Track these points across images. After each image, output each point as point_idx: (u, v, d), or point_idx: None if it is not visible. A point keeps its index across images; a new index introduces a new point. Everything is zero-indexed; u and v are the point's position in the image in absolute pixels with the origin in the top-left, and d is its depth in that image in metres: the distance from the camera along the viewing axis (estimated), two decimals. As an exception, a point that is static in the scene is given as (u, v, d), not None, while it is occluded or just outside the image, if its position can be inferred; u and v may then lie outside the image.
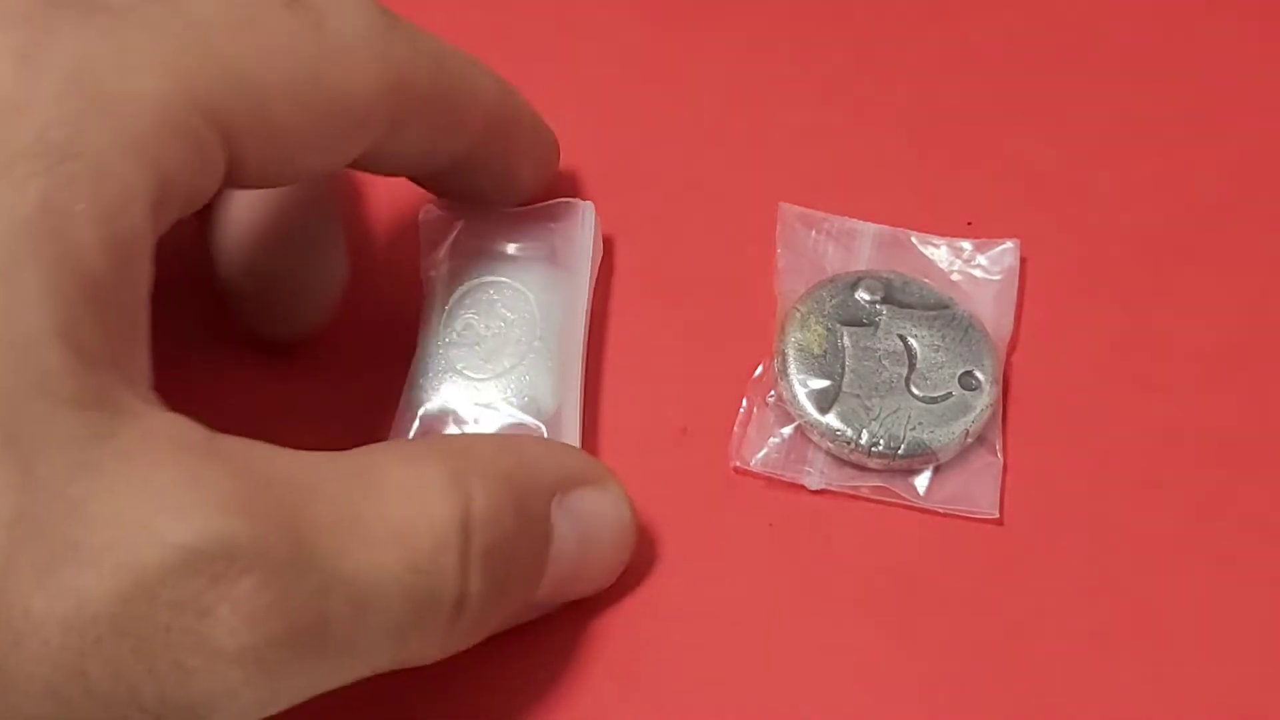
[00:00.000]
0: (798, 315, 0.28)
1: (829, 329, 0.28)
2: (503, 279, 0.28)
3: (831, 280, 0.29)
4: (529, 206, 0.29)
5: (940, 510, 0.27)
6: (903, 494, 0.27)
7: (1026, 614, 0.26)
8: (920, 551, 0.26)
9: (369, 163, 0.25)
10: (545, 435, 0.26)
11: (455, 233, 0.29)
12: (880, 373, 0.28)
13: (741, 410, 0.28)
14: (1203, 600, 0.26)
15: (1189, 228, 0.31)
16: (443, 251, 0.29)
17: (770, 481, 0.27)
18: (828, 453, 0.27)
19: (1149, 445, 0.28)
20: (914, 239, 0.30)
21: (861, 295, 0.29)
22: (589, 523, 0.24)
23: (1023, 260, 0.30)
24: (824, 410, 0.27)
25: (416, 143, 0.25)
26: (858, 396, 0.27)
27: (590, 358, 0.28)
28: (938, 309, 0.28)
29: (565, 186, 0.31)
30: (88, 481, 0.18)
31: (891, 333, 0.28)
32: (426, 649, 0.22)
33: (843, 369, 0.28)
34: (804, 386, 0.27)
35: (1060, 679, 0.25)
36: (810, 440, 0.27)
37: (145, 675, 0.18)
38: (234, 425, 0.21)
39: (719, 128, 0.32)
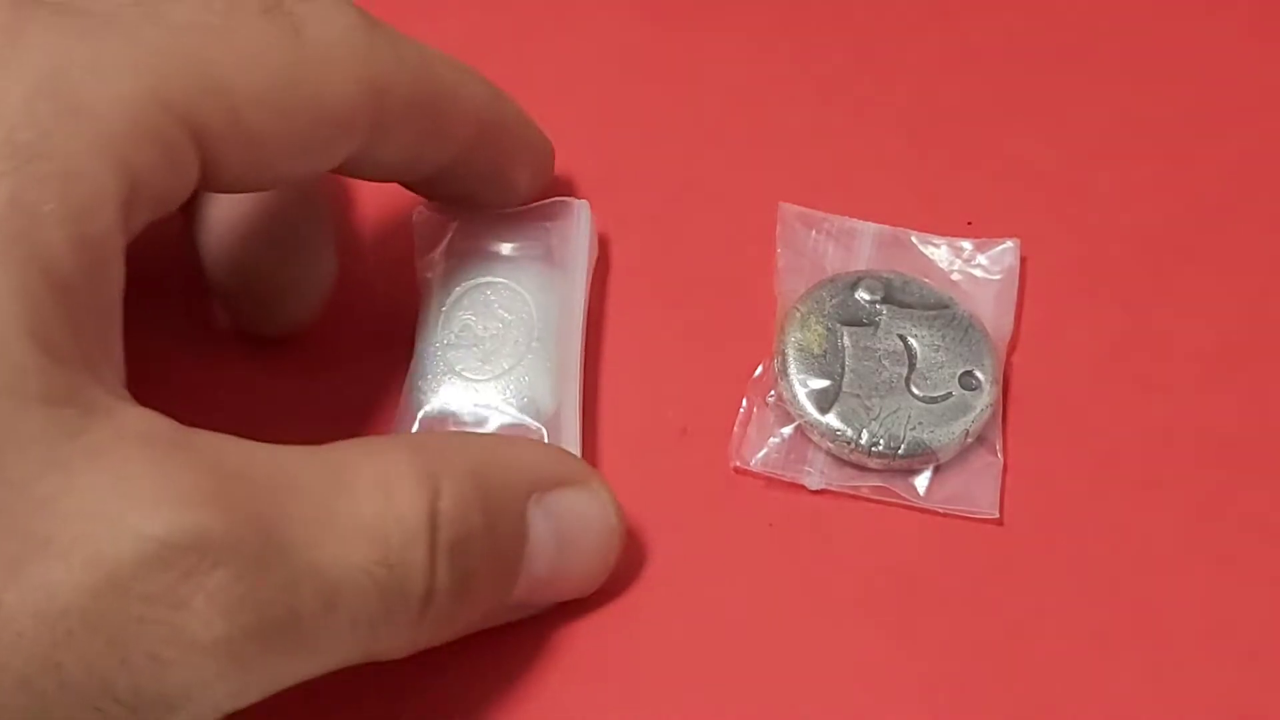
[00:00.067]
0: (798, 315, 0.28)
1: (829, 329, 0.28)
2: (499, 279, 0.28)
3: (831, 280, 0.29)
4: (524, 206, 0.29)
5: (940, 510, 0.27)
6: (903, 494, 0.27)
7: (1026, 614, 0.26)
8: (920, 551, 0.26)
9: (354, 168, 0.25)
10: (545, 436, 0.26)
11: (450, 233, 0.29)
12: (880, 373, 0.28)
13: (741, 410, 0.28)
14: (1203, 600, 0.26)
15: (1189, 228, 0.31)
16: (438, 252, 0.29)
17: (770, 481, 0.27)
18: (828, 453, 0.27)
19: (1149, 445, 0.28)
20: (914, 239, 0.30)
21: (861, 295, 0.29)
22: (569, 524, 0.24)
23: (1023, 260, 0.30)
24: (824, 410, 0.27)
25: (401, 149, 0.25)
26: (858, 396, 0.27)
27: (590, 358, 0.28)
28: (938, 309, 0.28)
29: (566, 186, 0.31)
30: (58, 477, 0.18)
31: (891, 332, 0.28)
32: (395, 643, 0.22)
33: (843, 369, 0.28)
34: (804, 386, 0.27)
35: (1060, 679, 0.25)
36: (810, 440, 0.27)
37: (119, 667, 0.18)
38: (225, 425, 0.21)
39: (719, 128, 0.32)
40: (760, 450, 0.27)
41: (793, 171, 0.32)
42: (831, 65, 0.34)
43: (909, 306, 0.28)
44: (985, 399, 0.27)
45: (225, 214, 0.27)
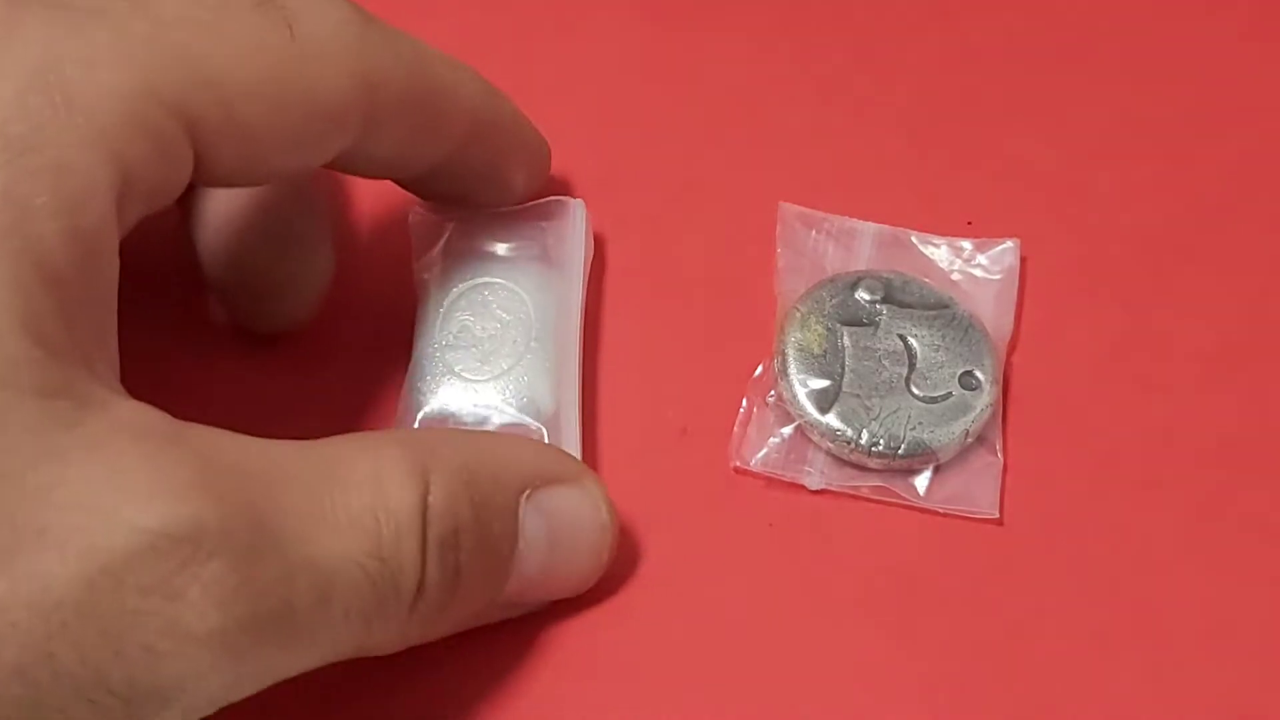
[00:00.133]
0: (798, 315, 0.28)
1: (829, 329, 0.28)
2: (497, 280, 0.28)
3: (831, 280, 0.29)
4: (520, 206, 0.29)
5: (940, 510, 0.27)
6: (903, 494, 0.27)
7: (1026, 614, 0.26)
8: (920, 551, 0.26)
9: (347, 164, 0.25)
10: (545, 436, 0.26)
11: (447, 234, 0.29)
12: (880, 372, 0.28)
13: (741, 410, 0.28)
14: (1203, 600, 0.26)
15: (1189, 228, 0.31)
16: (435, 253, 0.29)
17: (770, 481, 0.27)
18: (828, 453, 0.27)
19: (1149, 445, 0.28)
20: (914, 239, 0.30)
21: (861, 295, 0.29)
22: (561, 522, 0.24)
23: (1023, 260, 0.30)
24: (824, 410, 0.27)
25: (395, 145, 0.25)
26: (858, 396, 0.27)
27: (591, 358, 0.28)
28: (938, 309, 0.28)
29: (567, 186, 0.31)
30: (52, 469, 0.18)
31: (891, 332, 0.28)
32: (387, 638, 0.22)
33: (843, 369, 0.28)
34: (804, 386, 0.27)
35: (1060, 679, 0.25)
36: (810, 440, 0.27)
37: (113, 658, 0.18)
38: (221, 423, 0.21)
39: (719, 128, 0.32)
40: (760, 450, 0.27)
41: (793, 171, 0.32)
42: (831, 65, 0.34)
43: (909, 306, 0.28)
44: (985, 399, 0.27)
45: (222, 209, 0.27)
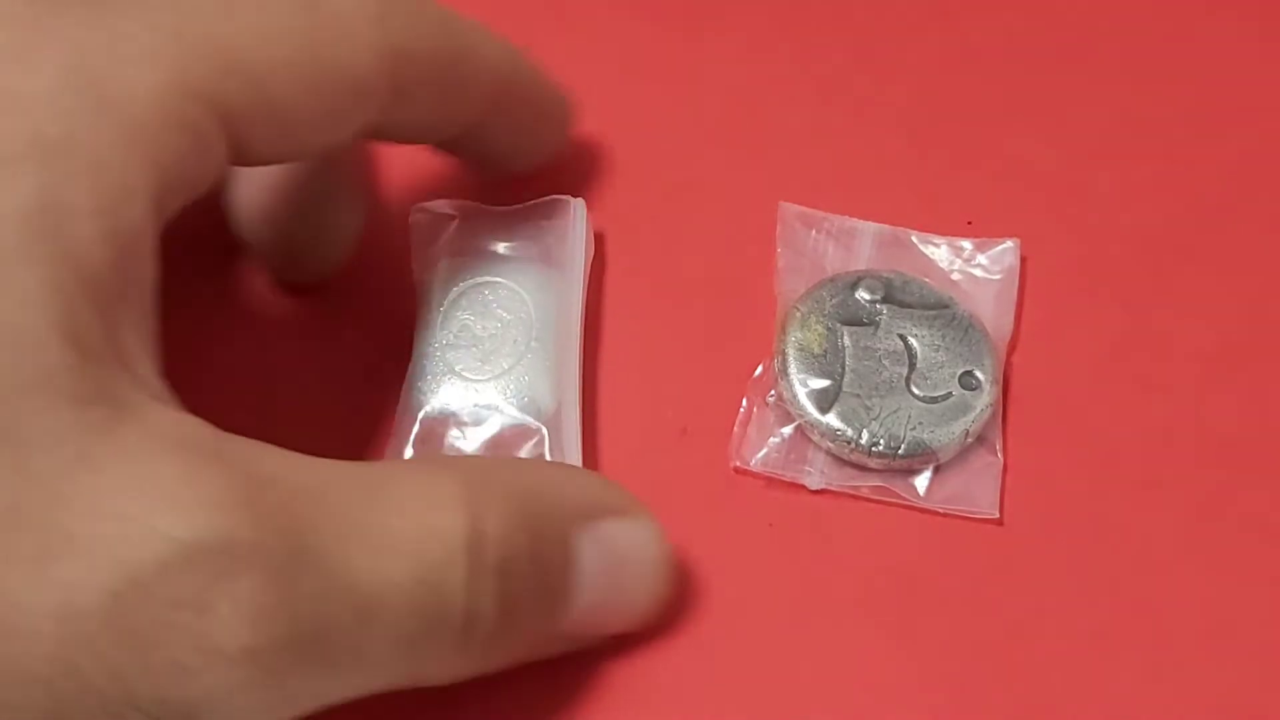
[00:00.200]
0: (798, 315, 0.28)
1: (829, 328, 0.28)
2: (497, 279, 0.28)
3: (832, 280, 0.29)
4: (520, 205, 0.29)
5: (940, 510, 0.27)
6: (903, 494, 0.27)
7: (1026, 614, 0.26)
8: (920, 551, 0.26)
9: (378, 132, 0.25)
10: (546, 436, 0.26)
11: (447, 233, 0.29)
12: (880, 372, 0.28)
13: (741, 410, 0.28)
14: (1203, 600, 0.26)
15: (1189, 228, 0.31)
16: (435, 253, 0.29)
17: (770, 481, 0.27)
18: (828, 453, 0.27)
19: (1149, 445, 0.28)
20: (914, 238, 0.30)
21: (862, 295, 0.29)
22: (618, 555, 0.23)
23: (1023, 260, 0.30)
24: (824, 410, 0.27)
25: (423, 111, 0.25)
26: (858, 396, 0.27)
27: (591, 358, 0.28)
28: (938, 308, 0.28)
29: (567, 185, 0.31)
30: (85, 476, 0.18)
31: (892, 332, 0.28)
32: (440, 667, 0.21)
33: (843, 369, 0.28)
34: (804, 386, 0.27)
35: (1060, 679, 0.25)
36: (810, 440, 0.27)
37: (140, 673, 0.18)
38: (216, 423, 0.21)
39: (719, 127, 0.32)
40: (760, 450, 0.27)
41: (793, 171, 0.32)
42: (831, 65, 0.34)
43: (909, 306, 0.28)
44: (985, 399, 0.27)
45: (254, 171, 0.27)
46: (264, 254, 0.29)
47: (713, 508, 0.27)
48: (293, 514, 0.19)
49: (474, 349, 0.27)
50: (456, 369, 0.27)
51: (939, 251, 0.30)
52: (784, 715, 0.25)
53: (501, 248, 0.28)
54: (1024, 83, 0.33)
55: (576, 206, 0.29)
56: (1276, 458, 0.28)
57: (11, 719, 0.18)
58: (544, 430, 0.26)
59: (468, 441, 0.27)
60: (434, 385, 0.27)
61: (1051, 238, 0.30)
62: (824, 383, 0.27)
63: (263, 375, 0.28)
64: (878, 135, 0.32)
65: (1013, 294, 0.29)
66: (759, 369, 0.28)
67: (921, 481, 0.27)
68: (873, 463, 0.27)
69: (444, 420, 0.27)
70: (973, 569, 0.26)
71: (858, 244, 0.30)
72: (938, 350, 0.28)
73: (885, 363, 0.28)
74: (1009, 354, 0.29)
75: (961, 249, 0.30)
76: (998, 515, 0.27)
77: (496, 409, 0.27)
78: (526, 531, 0.21)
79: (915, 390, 0.27)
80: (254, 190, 0.27)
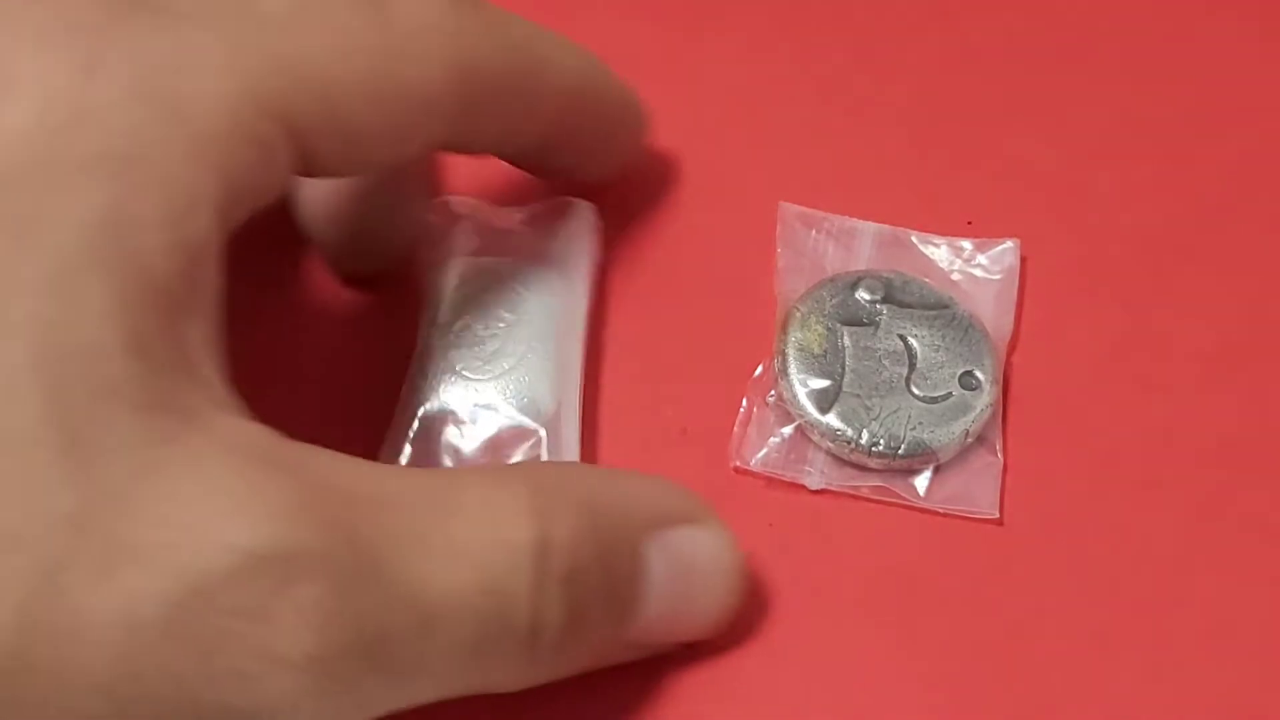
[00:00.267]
0: (798, 315, 0.28)
1: (829, 329, 0.28)
2: (503, 280, 0.28)
3: (831, 280, 0.29)
4: (528, 206, 0.29)
5: (940, 510, 0.27)
6: (903, 494, 0.27)
7: (1026, 614, 0.26)
8: (920, 551, 0.26)
9: (447, 145, 0.25)
10: (545, 436, 0.26)
11: (453, 234, 0.29)
12: (880, 372, 0.28)
13: (741, 410, 0.28)
14: (1203, 600, 0.26)
15: (1189, 228, 0.31)
16: (441, 252, 0.29)
17: (770, 481, 0.27)
18: (828, 453, 0.27)
19: (1149, 445, 0.28)
20: (914, 238, 0.30)
21: (862, 295, 0.29)
22: (688, 564, 0.23)
23: (1023, 260, 0.30)
24: (824, 410, 0.27)
25: (493, 124, 0.25)
26: (858, 396, 0.27)
27: (590, 358, 0.28)
28: (938, 309, 0.28)
29: (566, 186, 0.31)
30: (149, 484, 0.18)
31: (892, 332, 0.28)
32: (505, 676, 0.21)
33: (843, 369, 0.28)
34: (804, 386, 0.27)
35: (1060, 679, 0.25)
36: (810, 440, 0.27)
37: (204, 681, 0.18)
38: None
39: (719, 127, 0.32)
40: (760, 450, 0.27)
41: (793, 171, 0.32)
42: (831, 65, 0.34)
43: (909, 306, 0.28)
44: (985, 399, 0.27)
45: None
46: (326, 249, 0.29)
47: (713, 508, 0.27)
48: (357, 522, 0.19)
49: (476, 349, 0.27)
50: (458, 368, 0.27)
51: (939, 251, 0.30)
52: (784, 715, 0.25)
53: (509, 249, 0.28)
54: (1024, 83, 0.33)
55: (586, 210, 0.29)
56: (1276, 458, 0.28)
57: None
58: (542, 432, 0.26)
59: (466, 441, 0.27)
60: (434, 384, 0.27)
61: (1051, 238, 0.30)
62: (824, 383, 0.27)
63: (263, 373, 0.28)
64: (878, 135, 0.32)
65: (1013, 294, 0.29)
66: (759, 369, 0.28)
67: (921, 481, 0.27)
68: (873, 463, 0.27)
69: (444, 419, 0.27)
70: (973, 569, 0.26)
71: (858, 244, 0.30)
72: (938, 350, 0.28)
73: (885, 363, 0.28)
74: (1009, 354, 0.29)
75: (961, 249, 0.30)
76: (998, 515, 0.27)
77: (496, 409, 0.27)
78: (595, 541, 0.21)
79: (915, 390, 0.27)
80: (320, 188, 0.27)
